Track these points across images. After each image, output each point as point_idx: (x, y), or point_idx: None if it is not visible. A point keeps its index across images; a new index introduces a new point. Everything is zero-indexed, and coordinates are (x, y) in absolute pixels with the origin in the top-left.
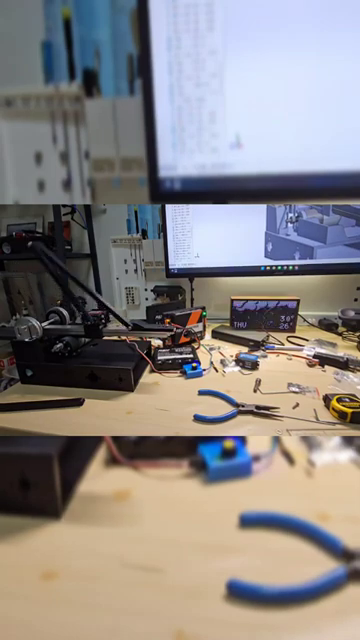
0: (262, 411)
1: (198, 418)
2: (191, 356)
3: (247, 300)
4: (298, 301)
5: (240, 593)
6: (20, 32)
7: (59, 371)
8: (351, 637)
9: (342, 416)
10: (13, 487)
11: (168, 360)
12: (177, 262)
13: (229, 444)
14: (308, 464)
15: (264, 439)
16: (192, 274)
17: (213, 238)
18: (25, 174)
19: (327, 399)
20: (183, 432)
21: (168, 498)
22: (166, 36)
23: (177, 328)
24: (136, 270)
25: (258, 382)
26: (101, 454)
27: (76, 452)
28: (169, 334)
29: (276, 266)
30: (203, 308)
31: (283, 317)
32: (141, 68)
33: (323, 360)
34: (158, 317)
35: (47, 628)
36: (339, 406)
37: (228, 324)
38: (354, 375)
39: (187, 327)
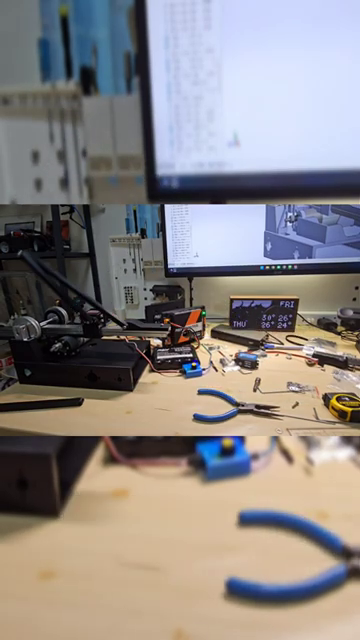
0: (262, 410)
1: (198, 417)
2: (190, 355)
3: (246, 299)
4: (297, 300)
5: (240, 591)
6: (17, 30)
7: (58, 371)
8: (351, 635)
9: (342, 415)
10: (11, 486)
11: (167, 359)
12: (176, 261)
13: (228, 442)
14: (307, 462)
15: (263, 438)
16: (191, 273)
17: (212, 237)
18: (22, 173)
19: (327, 398)
20: (183, 432)
21: (167, 497)
22: (164, 34)
23: (176, 328)
24: (135, 269)
25: (258, 381)
26: (99, 453)
27: (74, 451)
28: (166, 333)
29: (275, 265)
30: (202, 307)
31: (282, 316)
32: (138, 66)
33: (322, 359)
34: (157, 317)
35: (45, 627)
36: (339, 405)
37: (227, 323)
38: (353, 374)
39: (186, 326)
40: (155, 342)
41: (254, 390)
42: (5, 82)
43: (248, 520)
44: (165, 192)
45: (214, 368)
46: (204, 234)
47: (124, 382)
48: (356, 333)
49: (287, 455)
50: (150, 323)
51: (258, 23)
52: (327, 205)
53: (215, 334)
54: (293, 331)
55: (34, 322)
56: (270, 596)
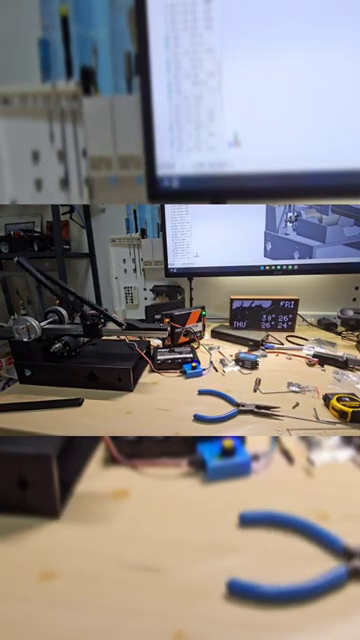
0: (262, 411)
1: (198, 418)
2: (190, 356)
3: (246, 299)
4: (297, 300)
5: (240, 592)
6: (17, 30)
7: (58, 371)
8: (352, 636)
9: (342, 415)
10: (11, 487)
11: (167, 360)
12: (176, 261)
13: (228, 443)
14: (307, 463)
15: (264, 439)
16: (191, 274)
17: (212, 237)
18: (22, 173)
19: (327, 398)
20: (183, 432)
21: (167, 497)
22: (164, 34)
23: (176, 328)
24: (135, 270)
25: (258, 382)
26: (99, 454)
27: (74, 452)
28: (165, 333)
29: (275, 265)
30: (202, 308)
31: (282, 317)
32: (139, 66)
33: (323, 359)
34: (157, 317)
35: (45, 628)
36: (339, 405)
37: (227, 324)
38: (353, 374)
39: (186, 327)
40: (155, 342)
41: (254, 390)
42: (5, 82)
43: (248, 521)
44: (165, 192)
45: (214, 368)
46: (204, 234)
47: (124, 382)
48: (356, 333)
49: (287, 456)
50: (149, 323)
51: (258, 23)
52: (327, 205)
53: (215, 334)
54: (293, 331)
55: (34, 322)
56: (271, 597)
